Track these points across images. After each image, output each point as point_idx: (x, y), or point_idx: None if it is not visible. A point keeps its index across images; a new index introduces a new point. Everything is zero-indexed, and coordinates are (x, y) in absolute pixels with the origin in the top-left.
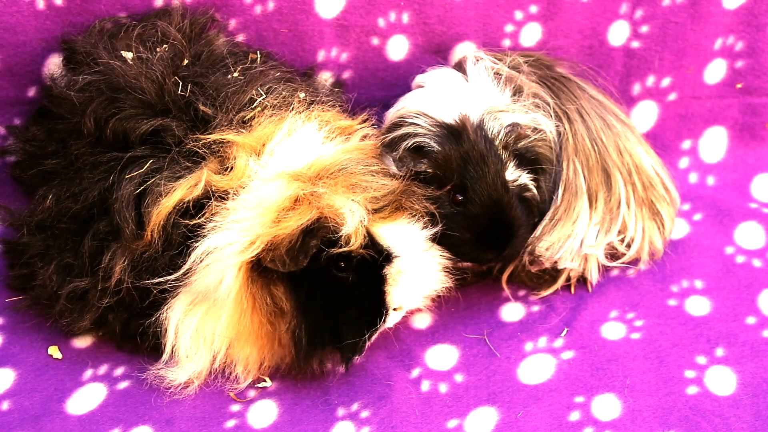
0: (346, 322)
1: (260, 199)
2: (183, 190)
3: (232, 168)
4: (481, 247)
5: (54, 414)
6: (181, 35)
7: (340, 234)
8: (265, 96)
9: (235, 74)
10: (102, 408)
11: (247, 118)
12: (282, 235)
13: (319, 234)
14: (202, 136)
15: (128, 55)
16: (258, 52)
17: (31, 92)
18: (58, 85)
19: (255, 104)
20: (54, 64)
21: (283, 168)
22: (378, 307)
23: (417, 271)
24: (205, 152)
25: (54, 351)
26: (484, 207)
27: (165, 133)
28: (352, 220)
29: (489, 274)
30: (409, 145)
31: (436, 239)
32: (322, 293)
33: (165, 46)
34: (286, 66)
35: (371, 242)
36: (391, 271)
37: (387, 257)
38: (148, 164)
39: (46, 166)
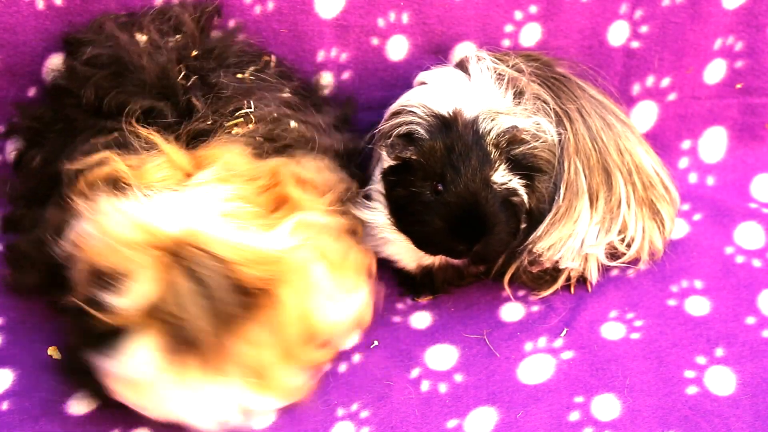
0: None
1: (106, 223)
2: (115, 168)
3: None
4: (451, 237)
5: (54, 414)
6: (194, 26)
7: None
8: (252, 110)
9: (246, 74)
10: (102, 408)
11: (228, 124)
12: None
13: (100, 276)
14: (139, 128)
15: (142, 37)
16: (272, 55)
17: (31, 92)
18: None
19: (238, 114)
20: (53, 64)
21: (162, 208)
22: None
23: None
24: (138, 141)
25: (54, 351)
26: (458, 197)
27: (155, 115)
28: (120, 301)
29: (488, 274)
30: (401, 131)
31: (413, 227)
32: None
33: (178, 36)
34: (301, 81)
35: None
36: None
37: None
38: (113, 135)
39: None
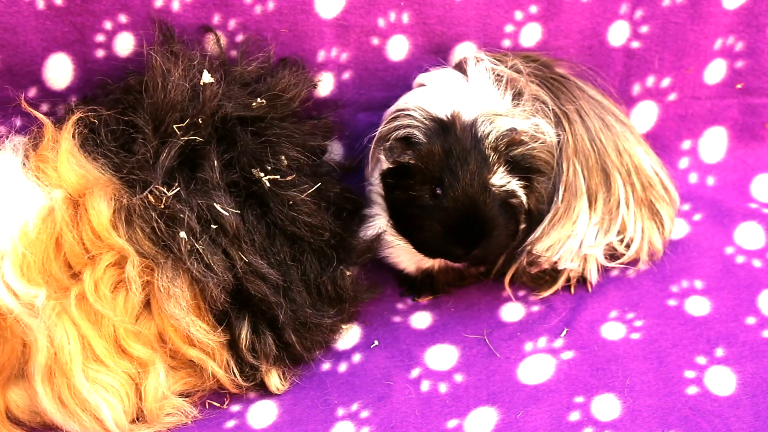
0: None
1: None
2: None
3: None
4: (450, 242)
5: None
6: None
7: None
8: (168, 194)
9: (264, 178)
10: None
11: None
12: None
13: None
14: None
15: (207, 77)
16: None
17: (32, 92)
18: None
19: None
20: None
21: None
22: None
23: None
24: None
25: None
26: (456, 201)
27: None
28: None
29: (488, 275)
30: (399, 135)
31: (412, 231)
32: None
33: (260, 100)
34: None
35: None
36: None
37: None
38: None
39: None
